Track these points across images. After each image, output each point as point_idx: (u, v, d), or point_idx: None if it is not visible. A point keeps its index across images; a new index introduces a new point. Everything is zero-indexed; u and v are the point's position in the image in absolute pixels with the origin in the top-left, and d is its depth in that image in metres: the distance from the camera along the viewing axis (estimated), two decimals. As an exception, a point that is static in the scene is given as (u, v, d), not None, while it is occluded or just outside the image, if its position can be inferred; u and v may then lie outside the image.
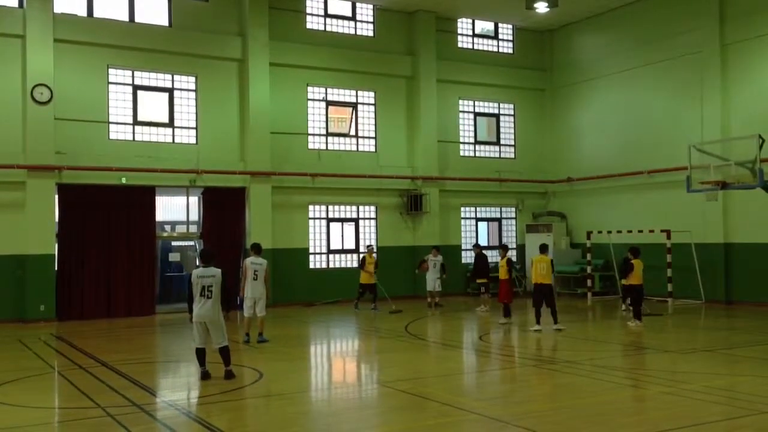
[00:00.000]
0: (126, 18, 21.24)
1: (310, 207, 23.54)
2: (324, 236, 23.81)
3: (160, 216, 22.26)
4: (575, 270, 24.60)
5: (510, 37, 27.37)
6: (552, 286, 16.54)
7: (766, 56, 20.72)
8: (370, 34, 24.80)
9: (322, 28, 24.03)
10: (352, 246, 24.31)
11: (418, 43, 24.95)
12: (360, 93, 24.55)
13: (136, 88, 21.28)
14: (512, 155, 27.21)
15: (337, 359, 14.77)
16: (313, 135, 23.68)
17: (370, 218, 24.61)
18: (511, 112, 27.30)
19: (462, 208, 26.24)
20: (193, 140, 21.89)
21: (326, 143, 23.92)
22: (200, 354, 11.24)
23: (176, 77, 21.80)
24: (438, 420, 8.84)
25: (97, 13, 20.88)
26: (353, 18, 24.59)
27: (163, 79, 21.65)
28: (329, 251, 23.90)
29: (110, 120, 20.84)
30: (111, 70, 20.90)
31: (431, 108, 25.02)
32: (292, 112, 23.24)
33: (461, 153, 26.19)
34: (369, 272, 20.90)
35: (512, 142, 27.26)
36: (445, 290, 22.32)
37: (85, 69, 20.54)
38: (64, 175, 19.86)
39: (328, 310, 21.83)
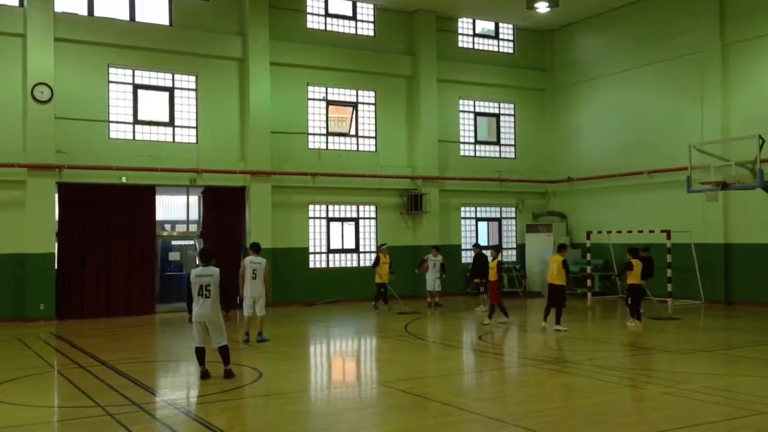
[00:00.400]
0: (126, 17, 21.24)
1: (310, 206, 23.54)
2: (324, 236, 23.82)
3: (160, 215, 22.26)
4: (575, 270, 24.54)
5: (510, 37, 27.37)
6: (562, 286, 16.31)
7: (767, 56, 20.72)
8: (371, 33, 24.80)
9: (322, 27, 24.03)
10: (352, 246, 24.32)
11: (419, 43, 24.95)
12: (360, 92, 24.55)
13: (136, 87, 21.29)
14: (512, 155, 27.21)
15: (336, 359, 14.77)
16: (314, 134, 23.68)
17: (370, 218, 24.62)
18: (512, 112, 27.30)
19: (462, 208, 26.24)
20: (193, 139, 21.90)
21: (326, 143, 23.93)
22: (200, 353, 11.24)
23: (176, 76, 21.80)
24: (438, 420, 8.84)
25: (97, 12, 20.88)
26: (354, 17, 24.59)
27: (163, 79, 21.65)
28: (329, 251, 23.90)
29: (110, 119, 20.85)
30: (111, 69, 20.90)
31: (431, 108, 25.02)
32: (292, 111, 23.24)
33: (461, 153, 26.19)
34: (383, 273, 20.77)
35: (512, 142, 27.26)
36: (445, 290, 22.33)
37: (86, 68, 20.54)
38: (65, 174, 19.86)
39: (327, 309, 21.83)
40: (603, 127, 25.42)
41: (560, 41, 27.22)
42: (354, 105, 24.54)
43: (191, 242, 23.52)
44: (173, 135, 21.71)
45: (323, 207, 23.81)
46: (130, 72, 21.18)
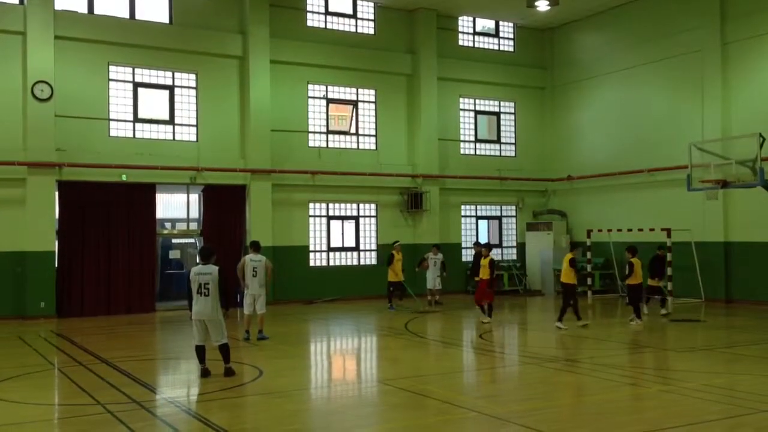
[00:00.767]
0: (126, 15, 21.23)
1: (311, 205, 23.54)
2: (324, 234, 23.81)
3: (160, 213, 22.25)
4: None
5: (511, 35, 27.36)
6: (569, 285, 16.34)
7: (767, 55, 20.70)
8: (371, 31, 24.79)
9: (322, 25, 24.02)
10: (353, 244, 24.32)
11: (419, 41, 24.94)
12: (360, 91, 24.54)
13: (136, 85, 21.28)
14: (513, 153, 27.21)
15: (336, 357, 14.77)
16: (314, 133, 23.67)
17: (370, 216, 24.62)
18: (512, 110, 27.30)
19: (462, 206, 26.25)
20: (193, 137, 21.89)
21: (327, 141, 23.92)
22: (200, 351, 11.24)
23: (177, 74, 21.79)
24: (438, 418, 8.84)
25: (97, 10, 20.86)
26: (354, 15, 24.57)
27: (163, 77, 21.65)
28: (329, 249, 23.90)
29: (111, 117, 20.84)
30: (111, 67, 20.89)
31: (432, 106, 25.01)
32: (292, 109, 23.23)
33: (462, 151, 26.18)
34: (397, 270, 20.69)
35: (513, 140, 27.26)
36: (445, 288, 22.33)
37: (86, 66, 20.54)
38: (65, 172, 19.86)
39: (328, 307, 21.84)
40: (603, 125, 25.42)
41: (560, 39, 27.20)
42: (354, 103, 24.53)
43: (191, 240, 23.53)
44: (173, 133, 21.71)
45: (323, 205, 23.81)
46: (130, 70, 21.17)
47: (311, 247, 23.53)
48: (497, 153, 26.98)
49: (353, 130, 24.51)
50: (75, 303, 19.97)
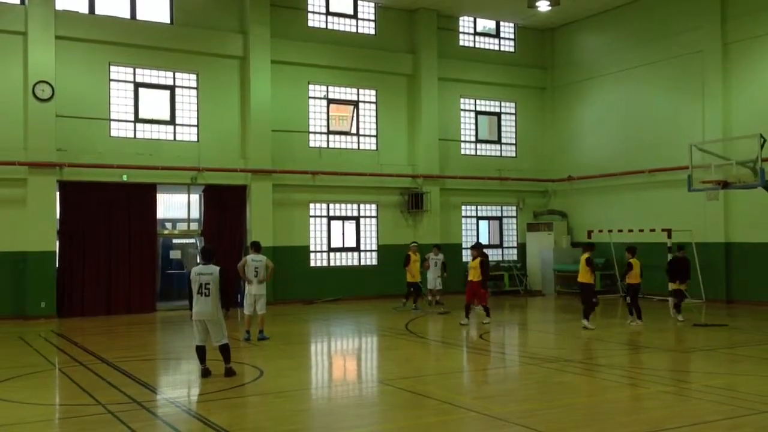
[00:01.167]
0: (127, 15, 21.24)
1: (311, 205, 23.54)
2: (325, 234, 23.82)
3: (161, 213, 22.28)
4: (576, 269, 24.51)
5: (511, 36, 27.36)
6: (587, 284, 16.41)
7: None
8: (372, 31, 24.79)
9: (323, 25, 24.03)
10: (353, 244, 24.32)
11: (420, 41, 24.95)
12: (361, 91, 24.54)
13: (137, 86, 21.29)
14: (513, 154, 27.21)
15: (337, 357, 14.77)
16: (314, 133, 23.68)
17: (371, 216, 24.62)
18: (512, 111, 27.30)
19: (463, 207, 26.25)
20: (194, 138, 21.90)
21: (327, 141, 23.93)
22: (200, 351, 11.24)
23: (177, 74, 21.80)
24: (438, 418, 8.84)
25: (98, 10, 20.88)
26: (355, 16, 24.58)
27: (164, 77, 21.66)
28: (330, 249, 23.90)
29: (111, 117, 20.86)
30: (112, 68, 20.91)
31: (432, 106, 25.02)
32: (293, 109, 23.24)
33: (462, 151, 26.18)
34: (414, 271, 20.61)
35: (513, 141, 27.26)
36: (446, 289, 22.30)
37: (87, 66, 20.55)
38: (65, 172, 19.88)
39: (328, 308, 21.84)
40: (604, 125, 25.42)
41: (561, 40, 27.20)
42: (355, 103, 24.54)
43: (192, 240, 23.54)
44: (174, 133, 21.72)
45: (324, 205, 23.81)
46: (131, 70, 21.19)
47: (312, 248, 23.53)
48: (498, 153, 26.98)
49: (354, 131, 24.52)
50: (75, 303, 19.98)
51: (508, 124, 27.28)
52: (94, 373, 11.70)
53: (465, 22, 26.48)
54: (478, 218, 26.76)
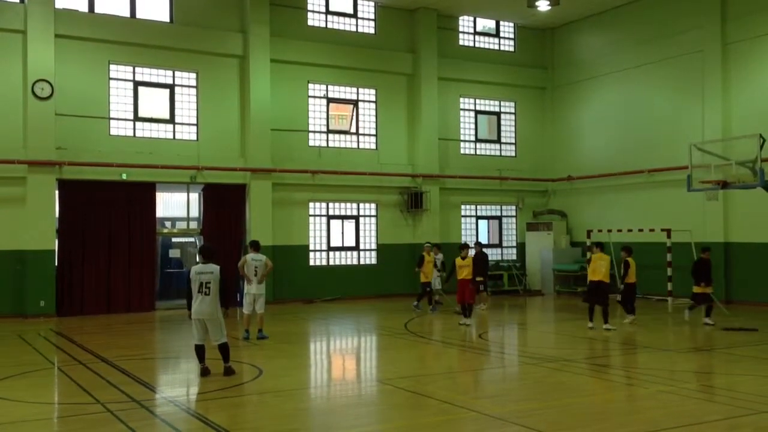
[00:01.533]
0: (127, 14, 21.23)
1: (311, 204, 23.53)
2: (324, 233, 23.81)
3: (160, 212, 22.26)
4: (575, 269, 24.58)
5: (511, 35, 27.35)
6: (605, 284, 16.23)
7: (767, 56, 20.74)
8: (372, 31, 24.78)
9: (323, 24, 24.01)
10: (353, 243, 24.32)
11: (420, 41, 24.93)
12: (361, 90, 24.53)
13: (136, 84, 21.28)
14: (513, 153, 27.21)
15: (336, 356, 14.77)
16: (314, 132, 23.67)
17: (370, 215, 24.61)
18: (512, 110, 27.29)
19: (462, 206, 26.24)
20: (193, 137, 21.89)
21: (327, 140, 23.92)
22: (200, 350, 11.24)
23: (177, 73, 21.79)
24: (437, 418, 8.84)
25: (98, 9, 20.86)
26: (354, 15, 24.57)
27: (164, 75, 21.64)
28: (329, 248, 23.90)
29: (111, 116, 20.84)
30: (112, 66, 20.89)
31: (432, 105, 25.01)
32: (292, 109, 23.23)
33: (462, 151, 26.17)
34: (428, 272, 20.29)
35: (513, 140, 27.25)
36: (445, 288, 22.29)
37: (86, 65, 20.53)
38: (65, 171, 19.86)
39: (327, 307, 21.84)
40: (603, 125, 25.41)
41: (561, 39, 27.20)
42: (354, 102, 24.53)
43: (191, 239, 23.54)
44: (174, 132, 21.71)
45: (323, 204, 23.81)
46: (130, 69, 21.17)
47: (311, 247, 23.52)
48: (497, 153, 26.97)
49: (353, 130, 24.51)
50: (75, 302, 19.97)
51: (508, 124, 27.27)
52: (94, 371, 11.70)
53: (465, 22, 26.47)
54: (478, 218, 26.76)
